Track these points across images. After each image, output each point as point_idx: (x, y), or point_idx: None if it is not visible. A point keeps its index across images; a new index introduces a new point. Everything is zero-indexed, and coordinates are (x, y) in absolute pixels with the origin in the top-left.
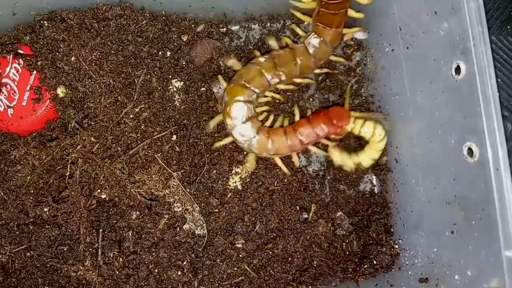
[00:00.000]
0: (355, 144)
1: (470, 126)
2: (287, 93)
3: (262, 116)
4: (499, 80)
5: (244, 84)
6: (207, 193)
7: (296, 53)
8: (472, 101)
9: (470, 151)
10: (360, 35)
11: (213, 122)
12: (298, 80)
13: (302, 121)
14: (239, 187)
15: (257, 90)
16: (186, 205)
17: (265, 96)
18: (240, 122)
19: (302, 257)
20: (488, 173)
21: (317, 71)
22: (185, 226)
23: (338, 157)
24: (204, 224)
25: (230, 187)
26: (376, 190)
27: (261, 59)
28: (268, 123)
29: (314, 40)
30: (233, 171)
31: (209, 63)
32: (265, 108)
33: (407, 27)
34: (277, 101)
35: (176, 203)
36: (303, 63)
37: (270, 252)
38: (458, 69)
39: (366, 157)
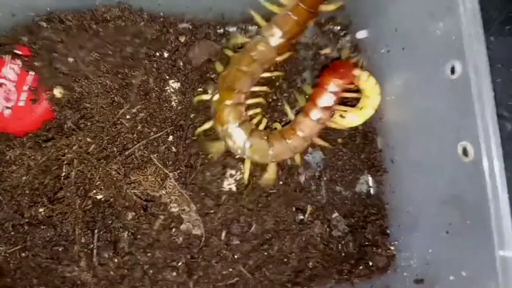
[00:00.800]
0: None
1: (465, 125)
2: (283, 94)
3: (256, 119)
4: (499, 80)
5: (229, 87)
6: (202, 194)
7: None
8: (467, 101)
9: (465, 151)
10: (360, 34)
11: (201, 128)
12: (266, 75)
13: (314, 90)
14: (234, 189)
15: (244, 90)
16: (182, 206)
17: (256, 97)
18: (233, 126)
19: (298, 258)
20: (482, 173)
21: (278, 58)
22: (182, 226)
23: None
24: (201, 224)
25: (225, 189)
26: (372, 191)
27: (236, 55)
28: (261, 126)
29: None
30: (228, 173)
31: (206, 65)
32: (258, 110)
33: (403, 28)
34: (268, 94)
35: (173, 203)
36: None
37: (266, 253)
38: (453, 69)
39: (361, 114)
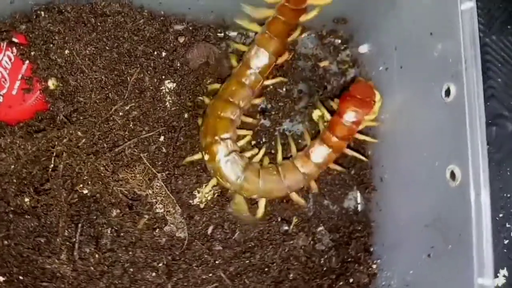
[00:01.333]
0: None
1: (455, 149)
2: (279, 103)
3: (256, 153)
4: (499, 79)
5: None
6: (189, 197)
7: None
8: (459, 125)
9: (453, 175)
10: (363, 48)
11: (190, 158)
12: (268, 82)
13: (332, 119)
14: (221, 195)
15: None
16: (168, 207)
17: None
18: (223, 161)
19: (279, 269)
20: (468, 198)
21: (267, 82)
22: (166, 228)
23: None
24: (185, 227)
25: (211, 195)
26: (360, 208)
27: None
28: (259, 157)
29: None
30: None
31: (204, 67)
32: (247, 134)
33: (402, 46)
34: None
35: (158, 204)
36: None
37: (247, 261)
38: (448, 92)
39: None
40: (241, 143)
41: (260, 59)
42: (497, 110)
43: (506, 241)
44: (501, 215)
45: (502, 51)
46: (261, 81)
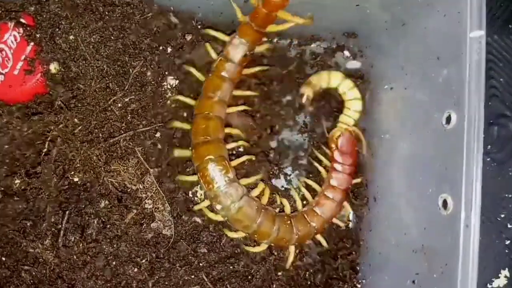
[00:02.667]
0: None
1: (450, 178)
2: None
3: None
4: (501, 79)
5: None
6: (179, 196)
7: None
8: (456, 154)
9: (445, 203)
10: (352, 64)
11: (185, 178)
12: (238, 93)
13: (328, 175)
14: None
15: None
16: (157, 204)
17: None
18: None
19: (262, 278)
20: (457, 229)
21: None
22: (153, 224)
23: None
24: (172, 225)
25: (202, 197)
26: (351, 225)
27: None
28: (257, 191)
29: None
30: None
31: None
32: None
33: (409, 68)
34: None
35: (148, 199)
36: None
37: (231, 267)
38: (449, 119)
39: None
40: (232, 145)
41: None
42: (499, 110)
43: (507, 242)
44: (502, 215)
45: (504, 51)
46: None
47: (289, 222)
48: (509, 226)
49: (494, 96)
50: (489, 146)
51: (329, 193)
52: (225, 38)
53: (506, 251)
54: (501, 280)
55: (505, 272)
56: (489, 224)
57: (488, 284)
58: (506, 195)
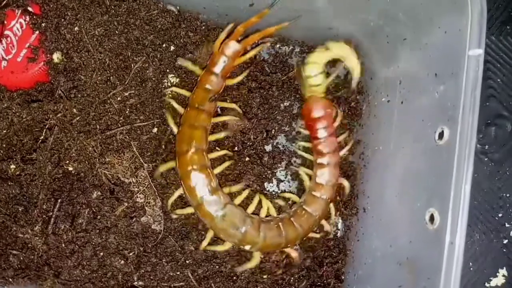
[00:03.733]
0: None
1: (439, 193)
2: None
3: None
4: (499, 80)
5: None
6: (171, 193)
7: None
8: (446, 170)
9: (432, 218)
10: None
11: (172, 198)
12: (223, 104)
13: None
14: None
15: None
16: (149, 198)
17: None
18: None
19: (247, 280)
20: (442, 245)
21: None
22: (143, 219)
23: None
24: (162, 221)
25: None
26: (339, 234)
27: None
28: (252, 207)
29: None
30: None
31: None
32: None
33: (407, 82)
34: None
35: (140, 193)
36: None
37: (217, 267)
38: (442, 134)
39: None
40: (216, 154)
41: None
42: (497, 110)
43: (505, 241)
44: (500, 214)
45: (501, 51)
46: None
47: (276, 226)
48: (507, 225)
49: (492, 96)
50: (486, 146)
51: (317, 192)
52: (187, 93)
53: (504, 250)
54: (499, 279)
55: (503, 271)
56: (487, 223)
57: (486, 283)
58: (504, 195)
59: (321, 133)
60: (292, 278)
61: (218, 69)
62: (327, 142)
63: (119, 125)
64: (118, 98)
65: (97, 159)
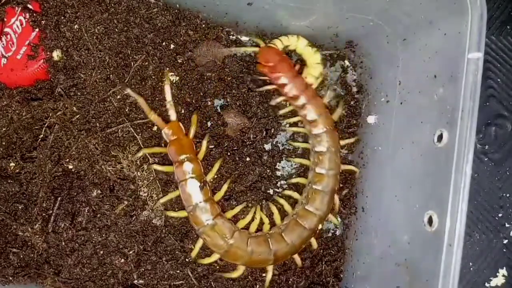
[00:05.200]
0: None
1: (437, 195)
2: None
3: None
4: (499, 79)
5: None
6: (172, 189)
7: None
8: (445, 172)
9: (431, 220)
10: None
11: (174, 214)
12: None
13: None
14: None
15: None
16: (152, 193)
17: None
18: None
19: (246, 278)
20: (440, 247)
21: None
22: (144, 213)
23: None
24: (163, 216)
25: None
26: (337, 232)
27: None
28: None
29: None
30: None
31: (209, 65)
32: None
33: (406, 83)
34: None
35: (144, 187)
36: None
37: (217, 266)
38: (440, 137)
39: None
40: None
41: None
42: (497, 110)
43: (505, 241)
44: (500, 214)
45: (501, 51)
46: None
47: (265, 242)
48: (507, 225)
49: (492, 96)
50: (486, 146)
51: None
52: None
53: (504, 250)
54: (499, 279)
55: (503, 271)
56: (487, 223)
57: (486, 283)
58: (504, 195)
59: (284, 79)
60: (291, 278)
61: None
62: (294, 83)
63: (119, 124)
64: (118, 96)
65: (98, 157)
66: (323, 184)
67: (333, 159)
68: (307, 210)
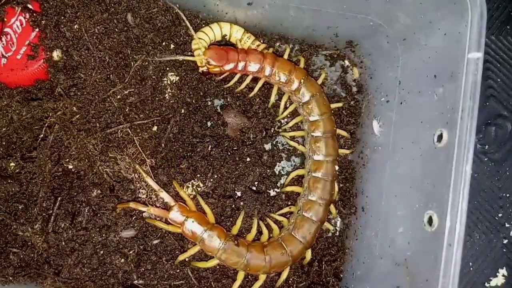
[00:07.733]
0: None
1: (437, 196)
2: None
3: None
4: (499, 79)
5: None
6: (171, 190)
7: None
8: (445, 172)
9: (431, 220)
10: (351, 73)
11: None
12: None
13: None
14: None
15: None
16: (151, 194)
17: None
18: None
19: (247, 279)
20: (440, 247)
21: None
22: (144, 215)
23: None
24: (163, 218)
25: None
26: (338, 233)
27: None
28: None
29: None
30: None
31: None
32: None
33: (406, 83)
34: None
35: (142, 189)
36: None
37: (217, 266)
38: (440, 137)
39: None
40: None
41: None
42: (496, 110)
43: (505, 241)
44: (500, 214)
45: (501, 51)
46: None
47: (279, 246)
48: (507, 225)
49: (492, 96)
50: (486, 146)
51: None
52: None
53: (504, 250)
54: (499, 279)
55: (502, 271)
56: (487, 223)
57: (486, 283)
58: (504, 195)
59: (241, 64)
60: (291, 278)
61: None
62: (250, 61)
63: (119, 124)
64: (118, 96)
65: (98, 157)
66: (322, 171)
67: (330, 144)
68: (311, 201)
